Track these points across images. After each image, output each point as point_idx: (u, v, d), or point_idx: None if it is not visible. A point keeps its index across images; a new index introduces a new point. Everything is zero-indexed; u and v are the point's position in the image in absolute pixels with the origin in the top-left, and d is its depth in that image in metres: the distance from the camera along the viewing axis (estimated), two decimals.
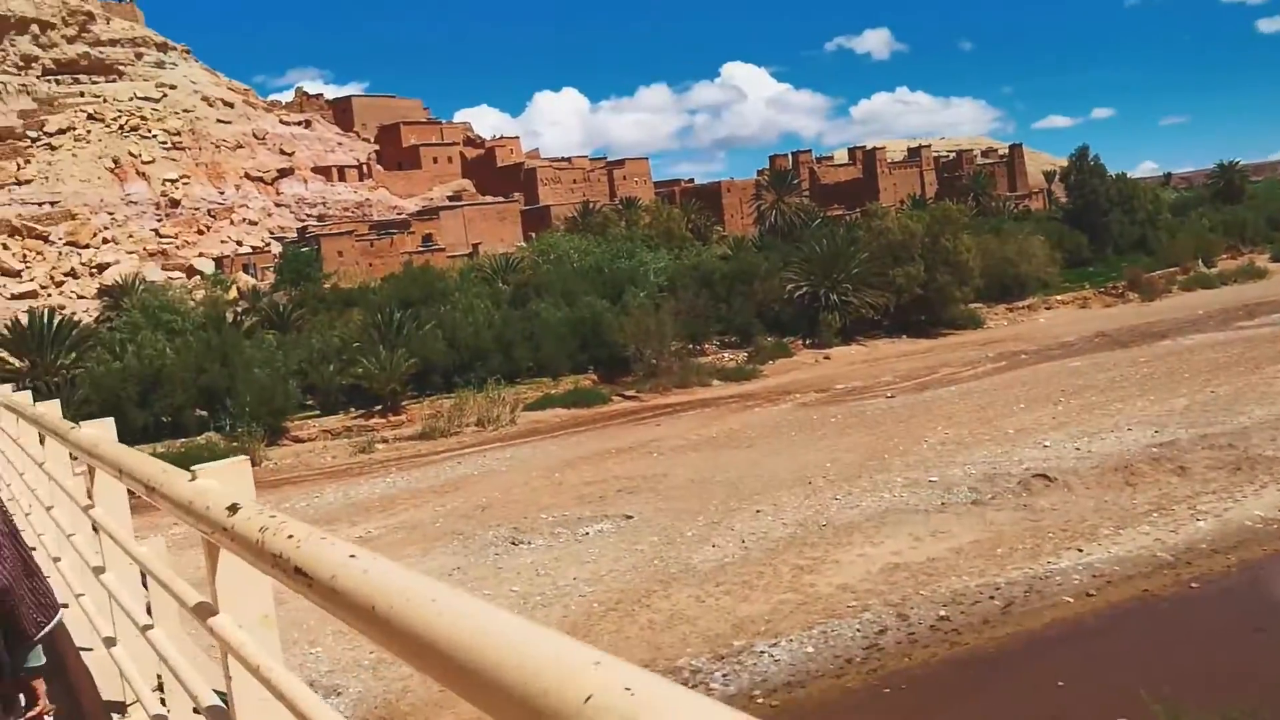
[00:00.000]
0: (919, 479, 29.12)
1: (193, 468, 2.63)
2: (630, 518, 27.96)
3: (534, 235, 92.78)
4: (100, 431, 4.35)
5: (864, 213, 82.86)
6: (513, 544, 27.21)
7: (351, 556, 1.56)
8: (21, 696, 2.48)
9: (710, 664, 18.33)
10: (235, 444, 44.68)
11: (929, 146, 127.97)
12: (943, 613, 20.06)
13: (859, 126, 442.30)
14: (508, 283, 70.35)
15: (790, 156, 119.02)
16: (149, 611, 3.53)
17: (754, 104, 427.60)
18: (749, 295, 62.12)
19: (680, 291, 61.17)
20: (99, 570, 4.00)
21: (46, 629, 2.34)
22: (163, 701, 3.42)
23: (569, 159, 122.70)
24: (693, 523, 26.74)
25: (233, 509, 2.12)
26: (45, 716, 2.56)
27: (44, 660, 2.44)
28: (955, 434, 34.57)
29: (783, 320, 62.18)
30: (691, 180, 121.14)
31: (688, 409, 47.43)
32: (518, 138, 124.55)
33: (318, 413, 50.56)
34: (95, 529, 4.36)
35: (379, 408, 50.02)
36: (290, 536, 1.79)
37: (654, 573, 23.00)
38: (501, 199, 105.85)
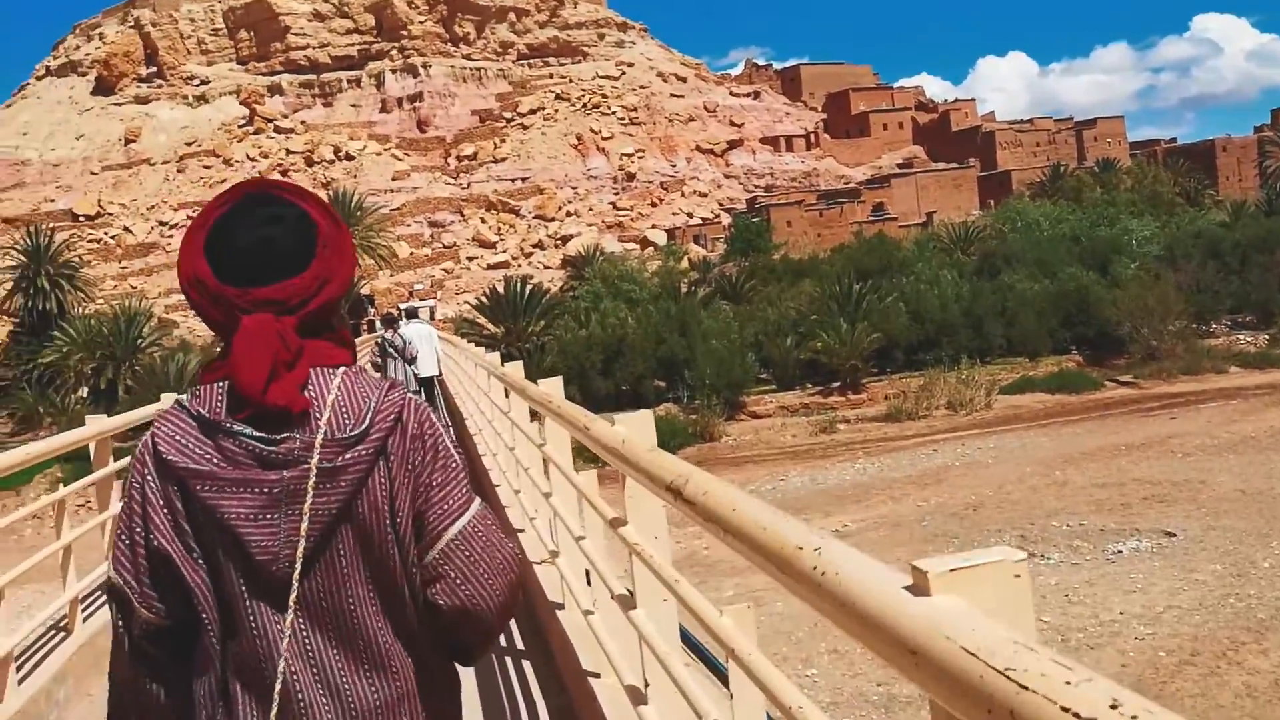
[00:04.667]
0: None
1: (613, 415, 3.30)
2: (1172, 535, 22.75)
3: (991, 203, 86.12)
4: (550, 388, 5.26)
5: None
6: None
7: (704, 493, 1.96)
8: None
9: None
10: (694, 416, 43.60)
11: None
12: None
13: None
14: (968, 253, 65.06)
15: None
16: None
17: (1231, 57, 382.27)
18: (1269, 267, 52.60)
19: (1181, 262, 52.96)
20: (547, 495, 5.23)
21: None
22: (592, 602, 4.31)
23: (1030, 120, 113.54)
24: (1265, 549, 21.14)
25: (637, 448, 2.61)
26: None
27: None
28: None
29: None
30: (1174, 140, 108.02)
31: (1204, 400, 40.29)
32: (972, 100, 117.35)
33: (774, 387, 48.46)
34: (545, 463, 5.49)
35: (837, 385, 47.07)
36: (671, 469, 2.23)
37: (1233, 615, 17.94)
38: (955, 165, 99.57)
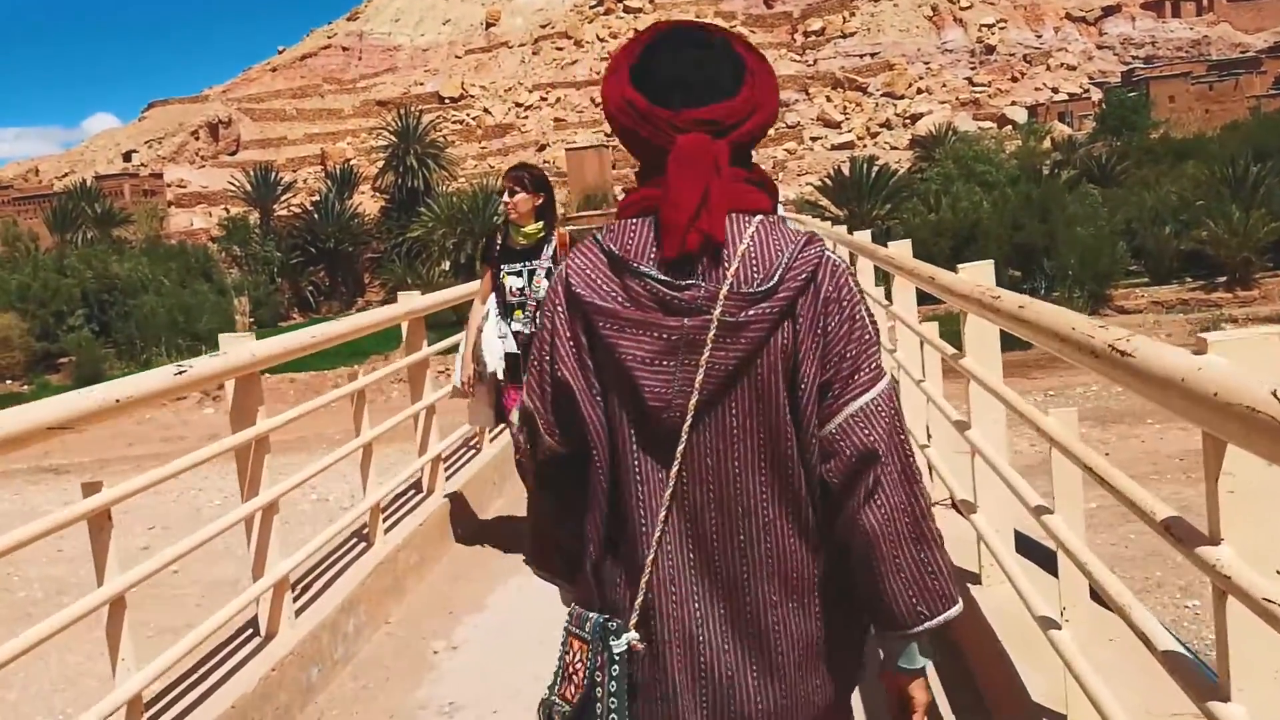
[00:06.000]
0: None
1: (1206, 336, 1.77)
2: None
3: None
4: (977, 274, 3.73)
5: None
6: None
7: None
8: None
9: None
10: None
11: None
12: None
13: None
14: None
15: None
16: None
17: None
18: None
19: None
20: (962, 425, 3.68)
21: (927, 624, 1.67)
22: (1060, 610, 2.72)
23: None
24: None
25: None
26: None
27: (921, 664, 1.72)
28: None
29: None
30: None
31: None
32: None
33: (1146, 280, 44.12)
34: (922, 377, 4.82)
35: (1223, 279, 42.11)
36: None
37: None
38: None
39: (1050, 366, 33.00)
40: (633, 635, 1.70)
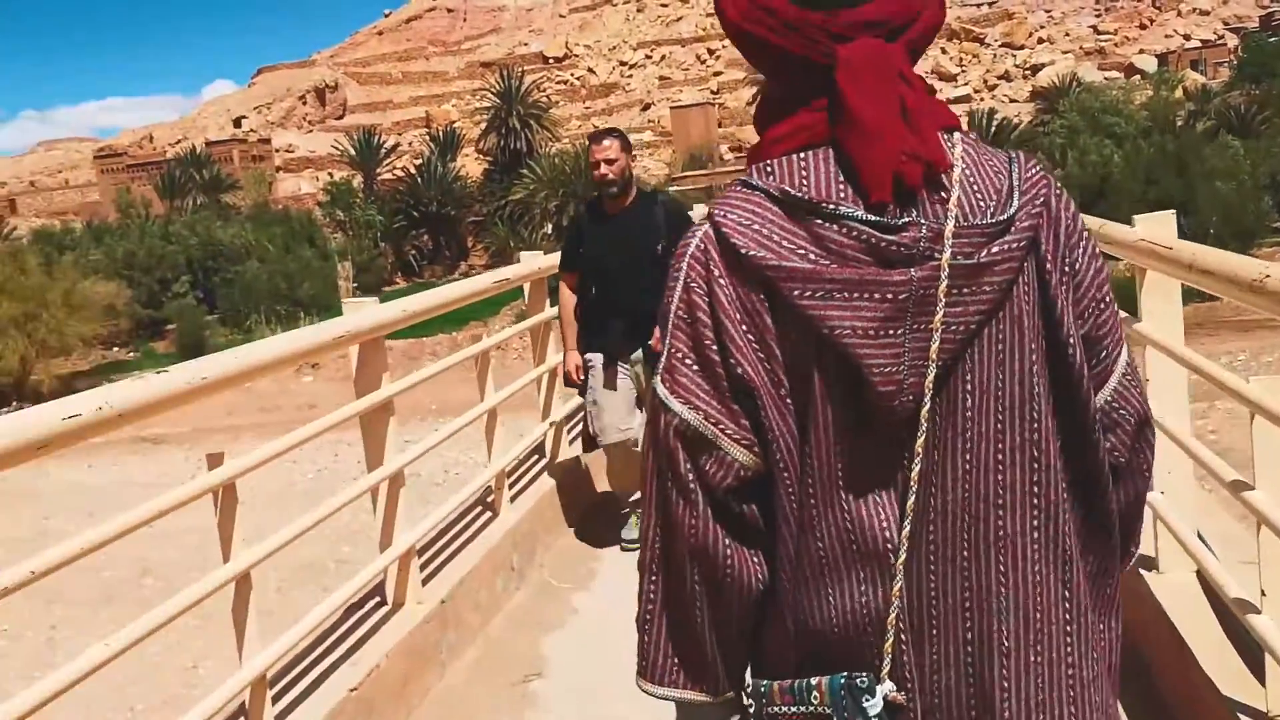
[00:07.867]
0: None
1: None
2: None
3: None
4: (1158, 226, 3.41)
5: None
6: None
7: None
8: None
9: None
10: None
11: None
12: None
13: None
14: None
15: None
16: None
17: None
18: None
19: None
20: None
21: (1130, 562, 1.51)
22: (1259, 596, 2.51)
23: None
24: None
25: None
26: None
27: None
28: None
29: None
30: None
31: None
32: None
33: None
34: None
35: None
36: None
37: None
38: None
39: (1219, 329, 29.23)
40: (889, 686, 1.32)
